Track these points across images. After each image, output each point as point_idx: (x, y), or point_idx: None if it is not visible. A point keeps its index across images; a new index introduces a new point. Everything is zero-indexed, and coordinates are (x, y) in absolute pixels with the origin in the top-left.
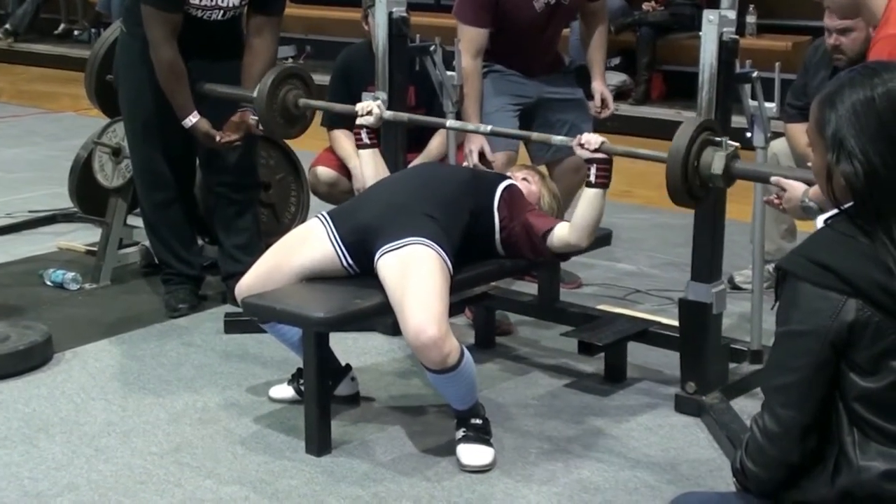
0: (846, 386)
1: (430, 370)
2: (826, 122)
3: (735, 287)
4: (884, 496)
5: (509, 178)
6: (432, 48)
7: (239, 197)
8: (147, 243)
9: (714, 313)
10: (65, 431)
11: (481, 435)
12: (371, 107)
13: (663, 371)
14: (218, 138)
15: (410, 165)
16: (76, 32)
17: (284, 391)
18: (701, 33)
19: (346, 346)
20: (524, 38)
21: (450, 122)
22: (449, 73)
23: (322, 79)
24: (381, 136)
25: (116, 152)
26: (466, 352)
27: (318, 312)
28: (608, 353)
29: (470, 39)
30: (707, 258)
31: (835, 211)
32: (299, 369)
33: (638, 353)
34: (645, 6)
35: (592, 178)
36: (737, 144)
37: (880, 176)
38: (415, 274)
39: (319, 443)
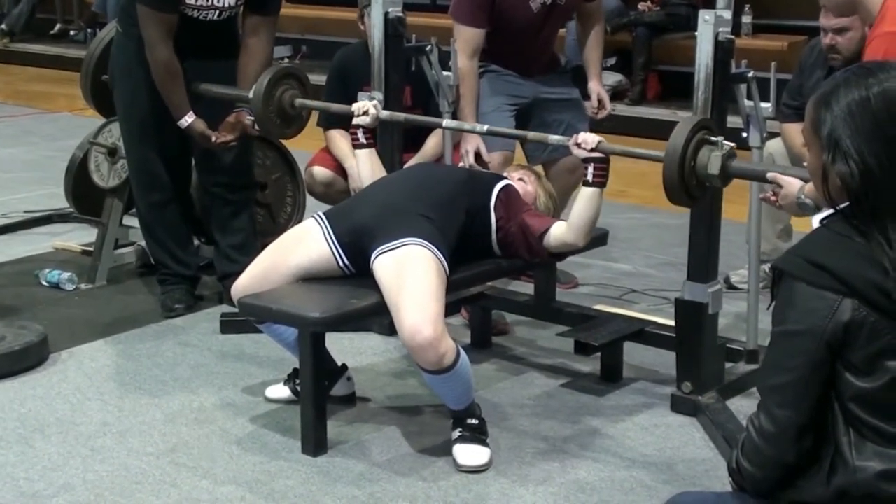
0: (842, 386)
1: (426, 371)
2: (821, 123)
3: (731, 287)
4: (880, 496)
5: (506, 178)
6: (428, 48)
7: (235, 197)
8: (143, 243)
9: (710, 313)
10: (61, 432)
11: (477, 435)
12: (367, 106)
13: (659, 371)
14: (214, 139)
15: (406, 165)
16: (72, 32)
17: (280, 391)
18: (697, 33)
19: (343, 347)
20: (520, 39)
21: (446, 122)
22: (445, 73)
23: (318, 79)
24: (377, 135)
25: (112, 152)
26: (462, 352)
27: (315, 312)
28: (604, 352)
29: (466, 39)
30: (703, 258)
31: (830, 211)
32: (295, 369)
33: (634, 353)
34: (641, 6)
35: (590, 178)
36: (733, 144)
37: (876, 176)
38: (410, 274)
39: (315, 443)
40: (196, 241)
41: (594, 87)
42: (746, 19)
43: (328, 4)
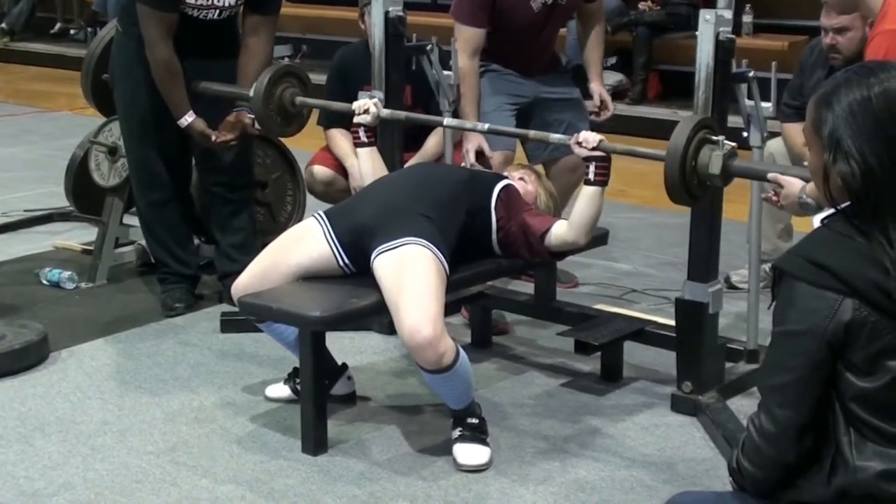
0: (843, 386)
1: (426, 370)
2: (822, 122)
3: (731, 286)
4: (880, 496)
5: (506, 178)
6: (429, 47)
7: (235, 196)
8: (143, 242)
9: (710, 313)
10: (61, 430)
11: (477, 434)
12: (368, 105)
13: (659, 370)
14: (214, 138)
15: (407, 165)
16: (72, 31)
17: (281, 390)
18: (697, 33)
19: (343, 346)
20: (521, 38)
21: (447, 121)
22: (446, 72)
23: (319, 78)
24: (378, 134)
25: (113, 151)
26: (462, 351)
27: (315, 312)
28: (605, 352)
29: (467, 39)
30: (703, 258)
31: (831, 210)
32: (295, 368)
33: (634, 353)
34: (641, 6)
35: (591, 176)
36: (734, 144)
37: (877, 176)
38: (410, 274)
39: (315, 442)
40: (196, 241)
41: (596, 87)
42: (747, 19)
43: (328, 4)
